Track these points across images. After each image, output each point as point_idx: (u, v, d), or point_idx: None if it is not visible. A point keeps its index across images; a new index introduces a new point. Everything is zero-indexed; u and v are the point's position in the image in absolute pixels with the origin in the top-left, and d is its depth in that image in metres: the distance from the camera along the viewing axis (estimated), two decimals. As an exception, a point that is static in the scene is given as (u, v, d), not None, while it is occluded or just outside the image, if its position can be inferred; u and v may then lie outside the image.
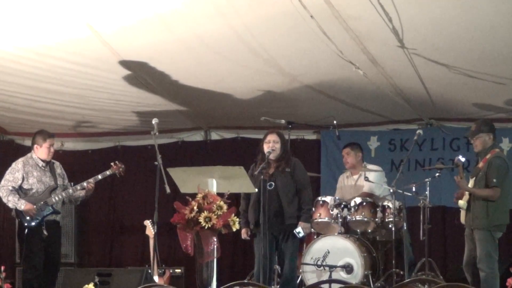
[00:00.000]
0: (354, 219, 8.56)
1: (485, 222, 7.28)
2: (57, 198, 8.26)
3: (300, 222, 7.65)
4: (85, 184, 8.34)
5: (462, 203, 7.48)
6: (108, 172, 8.49)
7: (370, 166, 9.02)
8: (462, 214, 7.54)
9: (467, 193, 7.44)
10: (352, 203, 8.61)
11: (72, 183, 8.53)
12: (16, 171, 8.26)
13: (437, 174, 8.45)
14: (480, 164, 7.43)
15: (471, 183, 7.47)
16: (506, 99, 8.71)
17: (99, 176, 8.43)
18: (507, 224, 7.45)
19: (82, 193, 8.46)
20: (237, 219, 6.93)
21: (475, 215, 7.34)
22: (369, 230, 8.63)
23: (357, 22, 6.69)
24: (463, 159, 7.56)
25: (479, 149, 7.51)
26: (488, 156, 7.40)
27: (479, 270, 7.26)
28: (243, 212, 7.78)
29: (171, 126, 10.32)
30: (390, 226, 8.46)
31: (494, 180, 7.26)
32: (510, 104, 8.83)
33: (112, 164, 8.54)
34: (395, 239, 8.42)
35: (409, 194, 8.53)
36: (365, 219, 8.54)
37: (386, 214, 8.52)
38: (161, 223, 7.60)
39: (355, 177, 9.07)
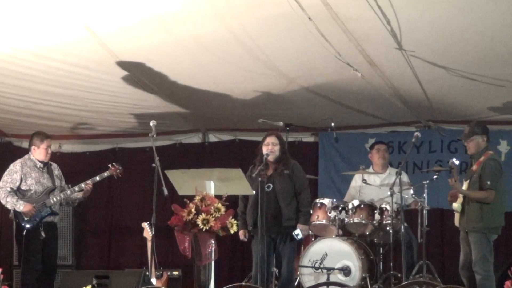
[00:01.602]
0: (351, 221, 8.53)
1: (480, 225, 7.27)
2: (55, 200, 8.25)
3: (298, 224, 7.67)
4: (83, 185, 8.34)
5: (456, 205, 7.47)
6: (106, 174, 8.48)
7: (391, 169, 9.00)
8: (456, 217, 7.53)
9: (461, 196, 7.43)
10: (350, 206, 8.60)
11: (69, 185, 8.52)
12: (14, 172, 8.26)
13: (435, 176, 8.43)
14: (474, 167, 7.41)
15: (465, 186, 7.46)
16: (504, 101, 8.70)
17: (97, 178, 8.43)
18: (503, 227, 7.43)
19: (79, 195, 8.46)
20: (235, 222, 6.93)
21: (469, 217, 7.33)
22: (367, 233, 8.60)
23: (355, 24, 6.68)
24: (457, 162, 7.54)
25: (472, 151, 7.48)
26: (482, 159, 7.37)
27: (475, 273, 7.24)
28: (241, 214, 7.79)
29: (169, 128, 10.31)
30: (388, 228, 8.44)
31: (488, 183, 7.23)
32: (508, 106, 8.83)
33: (109, 165, 8.53)
34: (393, 241, 8.41)
35: (407, 196, 8.52)
36: (363, 222, 8.52)
37: (384, 216, 8.50)
38: (159, 225, 7.58)
39: (383, 175, 8.93)
